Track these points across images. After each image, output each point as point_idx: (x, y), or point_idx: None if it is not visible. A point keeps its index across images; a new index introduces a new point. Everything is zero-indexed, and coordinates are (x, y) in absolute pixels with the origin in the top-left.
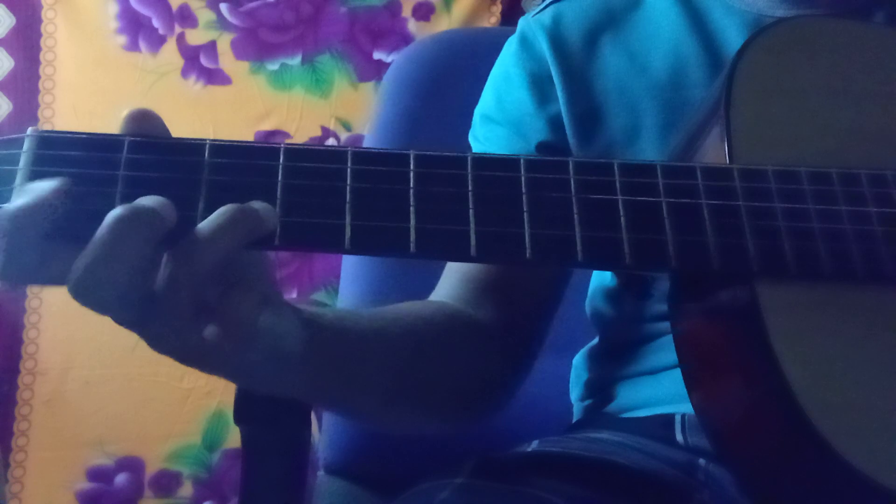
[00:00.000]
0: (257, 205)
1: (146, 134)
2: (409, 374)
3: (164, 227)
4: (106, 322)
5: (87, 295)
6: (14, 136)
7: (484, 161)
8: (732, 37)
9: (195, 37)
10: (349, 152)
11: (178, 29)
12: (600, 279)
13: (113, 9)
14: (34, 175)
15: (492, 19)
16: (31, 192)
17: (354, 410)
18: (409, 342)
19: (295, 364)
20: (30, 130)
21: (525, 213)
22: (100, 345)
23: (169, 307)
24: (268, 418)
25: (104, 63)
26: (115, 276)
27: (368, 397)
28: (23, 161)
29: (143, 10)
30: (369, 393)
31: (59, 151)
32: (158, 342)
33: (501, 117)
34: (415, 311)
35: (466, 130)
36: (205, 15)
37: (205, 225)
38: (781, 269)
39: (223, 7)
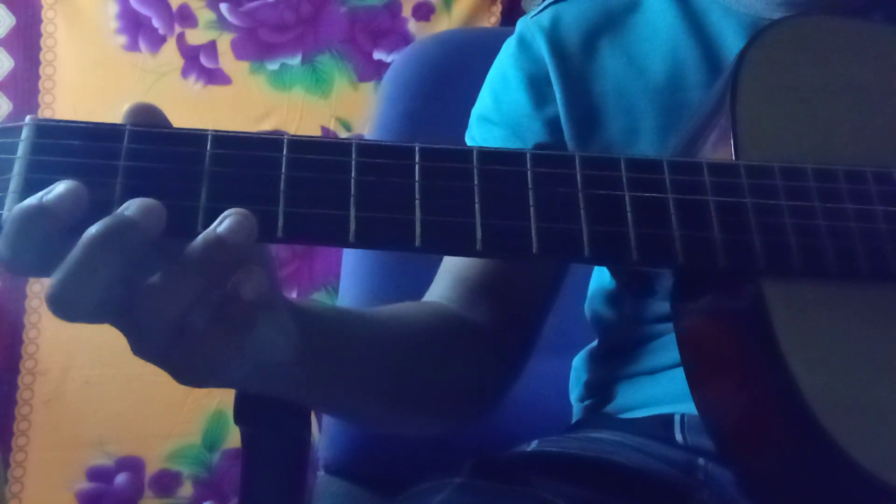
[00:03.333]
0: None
1: (147, 124)
2: (404, 376)
3: (147, 239)
4: None
5: (64, 311)
6: (12, 124)
7: (490, 155)
8: (730, 39)
9: (195, 37)
10: (353, 144)
11: (178, 29)
12: (599, 281)
13: (113, 9)
14: (32, 164)
15: (492, 19)
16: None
17: (348, 412)
18: (403, 345)
19: (288, 368)
20: (28, 119)
21: (531, 208)
22: (100, 345)
23: (149, 322)
24: (268, 418)
25: (104, 63)
26: (91, 293)
27: (362, 400)
28: (21, 150)
29: (143, 10)
30: (363, 395)
31: (58, 140)
32: (141, 352)
33: (498, 118)
34: (410, 313)
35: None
36: (205, 15)
37: (189, 255)
38: (787, 266)
39: (223, 7)
